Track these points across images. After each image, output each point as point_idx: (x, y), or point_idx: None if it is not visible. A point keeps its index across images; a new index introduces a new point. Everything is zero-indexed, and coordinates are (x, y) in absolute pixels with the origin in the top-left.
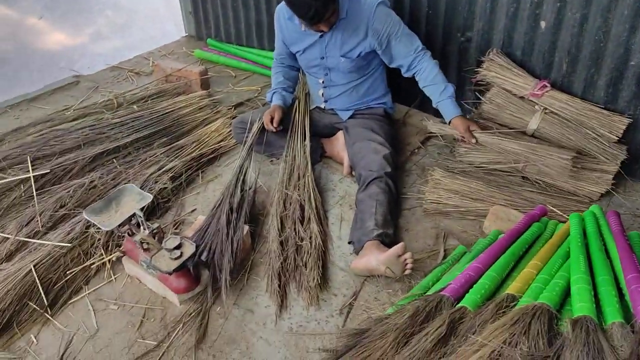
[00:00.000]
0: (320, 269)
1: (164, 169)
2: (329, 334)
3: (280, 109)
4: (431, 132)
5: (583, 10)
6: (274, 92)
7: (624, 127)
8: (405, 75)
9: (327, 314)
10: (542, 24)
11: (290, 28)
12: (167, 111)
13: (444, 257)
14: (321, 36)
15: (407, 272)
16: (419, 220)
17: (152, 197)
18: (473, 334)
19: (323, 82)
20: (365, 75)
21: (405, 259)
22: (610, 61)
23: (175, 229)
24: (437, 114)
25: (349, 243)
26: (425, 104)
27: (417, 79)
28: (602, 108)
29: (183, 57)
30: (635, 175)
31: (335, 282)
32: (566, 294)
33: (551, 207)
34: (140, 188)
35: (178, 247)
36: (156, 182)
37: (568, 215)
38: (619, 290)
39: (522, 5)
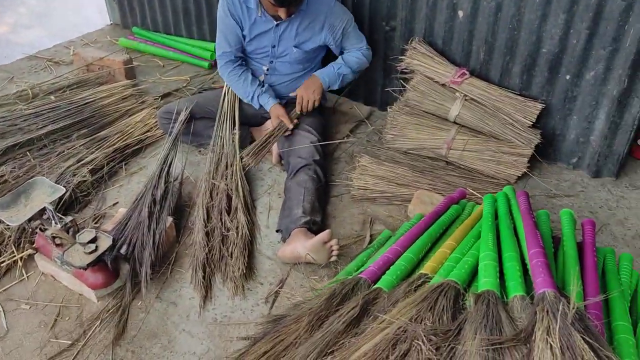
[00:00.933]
0: (246, 258)
1: (83, 162)
2: (253, 323)
3: (280, 106)
4: (362, 120)
5: None
6: (258, 95)
7: (538, 112)
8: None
9: (253, 302)
10: (460, 13)
11: (244, 11)
12: (87, 101)
13: (370, 241)
14: (277, 25)
15: (333, 258)
16: (346, 207)
17: (64, 189)
18: (385, 313)
19: (267, 69)
20: (308, 68)
21: (331, 246)
22: (524, 49)
23: (95, 223)
24: (366, 102)
25: (277, 231)
26: (355, 92)
27: None
28: (518, 94)
29: (107, 46)
30: (550, 158)
31: (262, 270)
32: (476, 271)
33: (471, 190)
34: (56, 181)
35: (93, 240)
36: (74, 175)
37: None
38: (525, 266)
39: None
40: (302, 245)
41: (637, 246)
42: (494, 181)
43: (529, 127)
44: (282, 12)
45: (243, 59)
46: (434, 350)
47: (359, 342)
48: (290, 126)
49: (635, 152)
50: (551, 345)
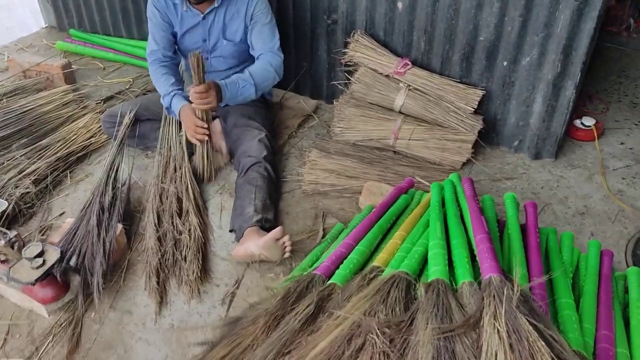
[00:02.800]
0: (200, 261)
1: (25, 172)
2: (210, 327)
3: (192, 108)
4: (309, 114)
5: None
6: (173, 95)
7: (479, 98)
8: None
9: (210, 305)
10: (399, 4)
11: (171, 8)
12: (26, 109)
13: (323, 236)
14: (204, 18)
15: (286, 255)
16: (298, 202)
17: (6, 203)
18: (339, 309)
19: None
20: (245, 62)
21: (284, 242)
22: (462, 37)
23: (42, 235)
24: (313, 95)
25: (231, 231)
26: (301, 86)
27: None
28: (458, 82)
29: (44, 50)
30: (492, 143)
31: (217, 272)
32: (426, 260)
33: (419, 179)
34: None
35: (40, 254)
36: (16, 187)
37: None
38: (473, 253)
39: None
40: (255, 244)
41: (577, 223)
42: (441, 168)
43: (471, 113)
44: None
45: (173, 59)
46: (388, 343)
47: (315, 340)
48: (205, 126)
49: (572, 133)
50: (498, 330)
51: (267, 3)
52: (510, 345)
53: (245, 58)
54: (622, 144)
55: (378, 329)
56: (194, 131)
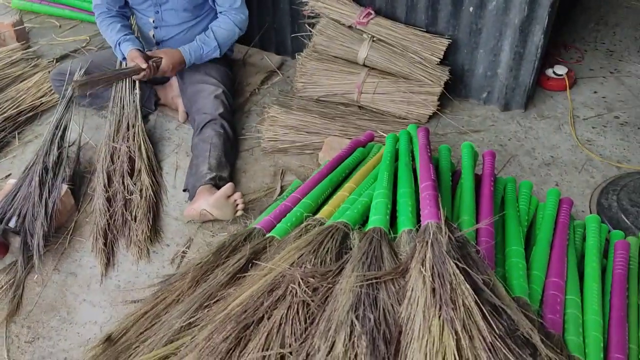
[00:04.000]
0: (151, 221)
1: None
2: (157, 286)
3: (139, 51)
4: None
5: None
6: (119, 43)
7: (444, 48)
8: None
9: (159, 265)
10: None
11: None
12: None
13: (281, 193)
14: None
15: (238, 213)
16: (257, 160)
17: None
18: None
19: (154, 21)
20: (200, 16)
21: (235, 200)
22: None
23: None
24: (277, 51)
25: (184, 191)
26: (265, 42)
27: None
28: (424, 31)
29: (0, 8)
30: (460, 95)
31: (169, 232)
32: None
33: (381, 133)
34: None
35: None
36: None
37: None
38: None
39: None
40: (206, 202)
41: (542, 174)
42: (406, 122)
43: (437, 64)
44: None
45: (121, 13)
46: (310, 292)
47: (238, 292)
48: (144, 65)
49: (543, 82)
50: (424, 275)
51: None
52: (433, 290)
53: (199, 11)
54: (595, 92)
55: (302, 279)
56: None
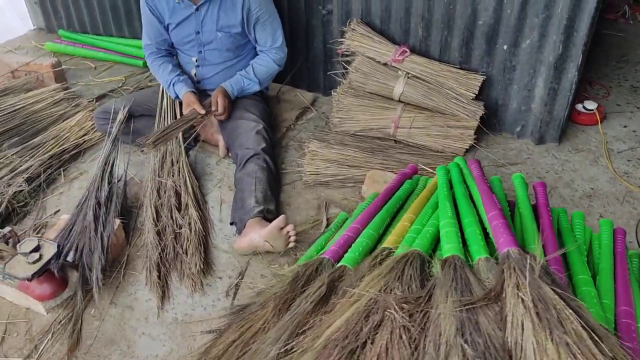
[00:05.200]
0: (202, 254)
1: (17, 171)
2: (216, 318)
3: (193, 94)
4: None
5: None
6: (173, 84)
7: (479, 84)
8: None
9: (213, 298)
10: None
11: (162, 2)
12: (15, 109)
13: (327, 225)
14: (197, 9)
15: (291, 244)
16: (300, 193)
17: None
18: (353, 288)
19: (197, 60)
20: (241, 56)
21: (288, 231)
22: (461, 22)
23: (37, 233)
24: (310, 88)
25: (231, 224)
26: (297, 79)
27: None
28: (458, 68)
29: (33, 51)
30: (494, 129)
31: (220, 265)
32: (437, 240)
33: (422, 166)
34: None
35: (36, 249)
36: (9, 185)
37: None
38: (485, 231)
39: None
40: (258, 234)
41: (585, 206)
42: (443, 155)
43: (472, 99)
44: None
45: (169, 52)
46: (407, 318)
47: (330, 319)
48: (202, 112)
49: (574, 117)
50: (522, 299)
51: None
52: (537, 314)
53: (240, 50)
54: (625, 127)
55: (396, 305)
56: (189, 112)
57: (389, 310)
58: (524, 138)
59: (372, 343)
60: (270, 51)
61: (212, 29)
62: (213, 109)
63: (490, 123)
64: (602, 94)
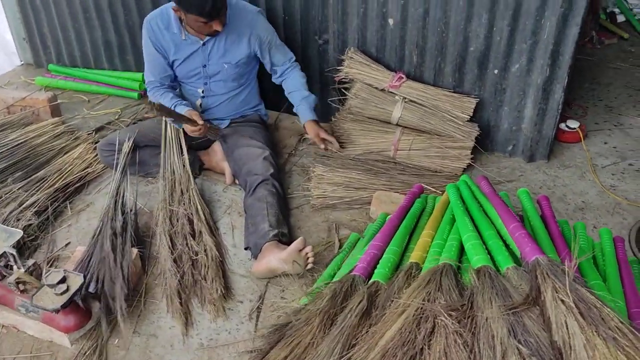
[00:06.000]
0: (222, 279)
1: (24, 205)
2: (242, 341)
3: (193, 110)
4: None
5: (424, 5)
6: (174, 106)
7: (473, 106)
8: (276, 82)
9: (237, 321)
10: (390, 21)
11: (167, 38)
12: (16, 143)
13: (340, 246)
14: (204, 44)
15: (309, 265)
16: (309, 217)
17: (21, 232)
18: (392, 301)
19: (202, 91)
20: (244, 85)
21: (307, 253)
22: (453, 49)
23: (50, 266)
24: None
25: (246, 249)
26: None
27: (284, 86)
28: (452, 92)
29: (23, 86)
30: (487, 148)
31: (239, 289)
32: (461, 252)
33: (426, 186)
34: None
35: (62, 280)
36: (18, 219)
37: (440, 190)
38: (504, 242)
39: (370, 5)
40: (276, 257)
41: (579, 218)
42: (442, 175)
43: (467, 121)
44: (217, 25)
45: (172, 86)
46: (457, 324)
47: (381, 329)
48: (200, 121)
49: (559, 136)
50: (563, 301)
51: (268, 23)
52: (581, 314)
53: (244, 79)
54: (605, 143)
55: (444, 312)
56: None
57: (439, 317)
58: (516, 156)
59: (429, 349)
60: (291, 64)
61: (218, 62)
62: (327, 147)
63: (484, 143)
64: (580, 113)
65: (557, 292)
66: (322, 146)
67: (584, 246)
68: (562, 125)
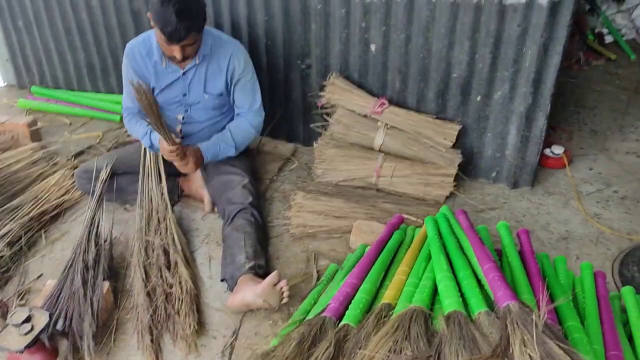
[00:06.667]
0: (196, 313)
1: None
2: None
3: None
4: (288, 157)
5: (406, 31)
6: (149, 132)
7: (456, 133)
8: None
9: (209, 359)
10: (372, 47)
11: (148, 65)
12: None
13: (318, 278)
14: (184, 74)
15: (284, 300)
16: (288, 247)
17: None
18: (360, 348)
19: (183, 118)
20: (225, 113)
21: (281, 287)
22: (436, 75)
23: (21, 300)
24: (289, 139)
25: (222, 281)
26: (276, 131)
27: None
28: (435, 118)
29: (4, 108)
30: (470, 175)
31: (213, 324)
32: (435, 293)
33: (406, 215)
34: None
35: (27, 319)
36: None
37: (422, 219)
38: (479, 282)
39: (352, 30)
40: (251, 291)
41: (562, 248)
42: (425, 202)
43: (450, 148)
44: (176, 52)
45: None
46: None
47: None
48: (178, 140)
49: (543, 161)
50: (530, 356)
51: (248, 59)
52: None
53: (226, 108)
54: (590, 169)
55: None
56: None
57: None
58: (499, 183)
59: None
60: (248, 114)
61: (199, 91)
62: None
63: (467, 169)
64: (564, 138)
65: (525, 346)
66: (178, 140)
67: (563, 283)
68: (547, 151)
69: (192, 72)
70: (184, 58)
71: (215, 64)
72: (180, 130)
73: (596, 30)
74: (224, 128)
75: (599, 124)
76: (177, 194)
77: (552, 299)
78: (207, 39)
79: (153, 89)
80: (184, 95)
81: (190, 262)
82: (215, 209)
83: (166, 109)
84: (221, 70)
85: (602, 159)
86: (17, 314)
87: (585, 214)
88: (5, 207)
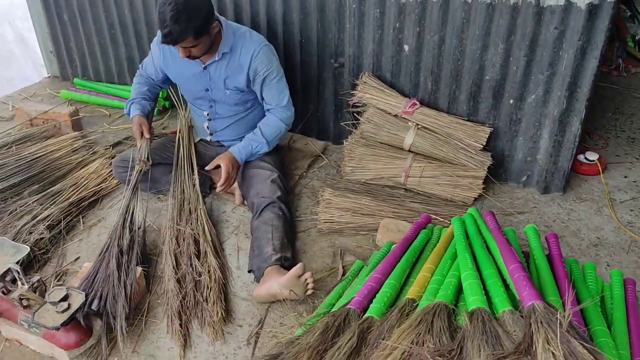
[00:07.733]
0: (223, 301)
1: (38, 218)
2: None
3: (142, 118)
4: (318, 155)
5: (440, 32)
6: (132, 103)
7: (487, 136)
8: None
9: (235, 346)
10: (406, 47)
11: (174, 52)
12: (36, 156)
13: (343, 273)
14: (205, 69)
15: (309, 292)
16: (315, 241)
17: (28, 248)
18: (383, 339)
19: (208, 114)
20: (250, 109)
21: (306, 279)
22: (468, 77)
23: (58, 281)
24: (320, 137)
25: (249, 272)
26: (307, 128)
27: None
28: (466, 120)
29: (48, 98)
30: (501, 179)
31: (239, 312)
32: (459, 290)
33: (433, 215)
34: (13, 241)
35: (64, 298)
36: (31, 233)
37: (449, 220)
38: (504, 282)
39: (386, 31)
40: (277, 282)
41: (592, 254)
42: (453, 204)
43: (480, 150)
44: (180, 51)
45: (155, 85)
46: None
47: None
48: (147, 135)
49: (577, 167)
50: (553, 354)
51: (272, 55)
52: None
53: (250, 104)
54: (625, 177)
55: (430, 357)
56: (139, 136)
57: None
58: (530, 187)
59: None
60: (277, 110)
61: (220, 87)
62: (218, 183)
63: (497, 173)
64: (600, 144)
65: (548, 344)
66: (148, 136)
67: (592, 288)
68: (581, 157)
69: (213, 68)
70: (192, 57)
71: (237, 61)
72: (208, 127)
73: (637, 37)
74: (250, 123)
75: (637, 132)
76: (208, 186)
77: (578, 302)
78: (228, 36)
79: (178, 85)
80: (207, 90)
81: (219, 252)
82: (245, 202)
83: (193, 104)
84: (242, 68)
85: (638, 167)
86: (55, 293)
87: (618, 222)
88: (46, 191)
